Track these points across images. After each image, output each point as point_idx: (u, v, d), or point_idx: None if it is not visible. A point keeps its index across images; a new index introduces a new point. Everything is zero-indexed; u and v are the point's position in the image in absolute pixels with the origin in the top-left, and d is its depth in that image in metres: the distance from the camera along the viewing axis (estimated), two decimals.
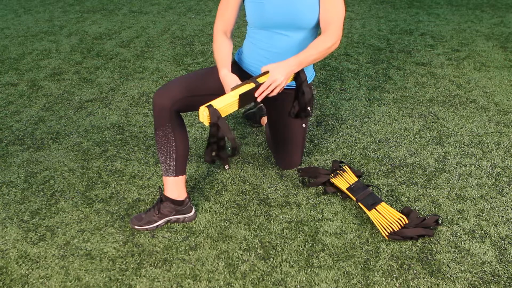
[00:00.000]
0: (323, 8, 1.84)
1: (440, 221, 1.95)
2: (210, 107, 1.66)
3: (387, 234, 1.87)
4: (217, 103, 1.70)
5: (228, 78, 1.80)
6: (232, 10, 1.90)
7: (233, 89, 1.73)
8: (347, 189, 2.08)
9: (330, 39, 1.82)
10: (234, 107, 1.74)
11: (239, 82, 1.79)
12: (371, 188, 2.13)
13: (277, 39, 1.91)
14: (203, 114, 1.67)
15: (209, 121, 1.67)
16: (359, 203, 2.01)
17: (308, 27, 1.88)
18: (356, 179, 2.12)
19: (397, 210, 2.00)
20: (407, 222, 1.90)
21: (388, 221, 1.90)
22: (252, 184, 2.21)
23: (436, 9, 4.77)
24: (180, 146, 1.86)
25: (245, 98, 1.76)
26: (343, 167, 2.20)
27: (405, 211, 1.96)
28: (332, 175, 2.17)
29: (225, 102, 1.70)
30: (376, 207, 1.96)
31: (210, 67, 2.02)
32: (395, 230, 1.87)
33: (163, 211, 1.92)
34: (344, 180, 2.12)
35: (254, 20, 1.89)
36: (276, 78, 1.73)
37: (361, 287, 1.68)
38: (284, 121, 2.12)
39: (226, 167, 1.81)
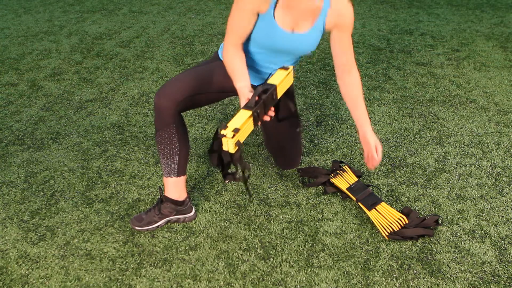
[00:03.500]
0: (341, 51, 1.88)
1: (440, 221, 1.95)
2: (233, 136, 1.54)
3: (387, 234, 1.87)
4: (235, 123, 1.57)
5: (245, 90, 1.71)
6: (247, 27, 1.78)
7: (246, 106, 1.62)
8: (347, 189, 2.08)
9: (359, 78, 1.93)
10: (251, 127, 1.64)
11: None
12: (371, 188, 2.13)
13: (270, 57, 1.88)
14: (227, 143, 1.56)
15: (235, 148, 1.57)
16: (359, 203, 2.01)
17: (301, 55, 1.92)
18: (356, 179, 2.12)
19: (397, 210, 2.00)
20: (407, 222, 1.90)
21: (388, 221, 1.90)
22: (252, 184, 2.21)
23: (436, 9, 4.77)
24: (183, 147, 1.86)
25: (263, 109, 1.66)
26: (343, 167, 2.20)
27: (405, 211, 1.96)
28: (332, 175, 2.17)
29: (241, 121, 1.59)
30: (376, 207, 1.96)
31: (211, 63, 1.98)
32: (395, 230, 1.88)
33: (164, 211, 1.92)
34: (344, 180, 2.12)
35: (260, 39, 1.82)
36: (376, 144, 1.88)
37: (361, 287, 1.68)
38: (279, 124, 2.10)
39: (226, 181, 1.79)
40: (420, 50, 3.72)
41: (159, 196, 2.02)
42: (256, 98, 1.64)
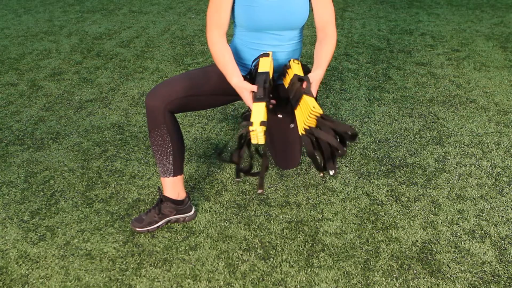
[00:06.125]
0: (317, 10, 1.89)
1: (352, 135, 1.63)
2: (263, 123, 1.59)
3: (303, 132, 1.66)
4: (258, 117, 1.61)
5: (244, 84, 1.77)
6: (225, 14, 1.84)
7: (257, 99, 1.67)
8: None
9: (333, 40, 1.91)
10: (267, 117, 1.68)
11: (254, 86, 1.74)
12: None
13: (268, 38, 1.90)
14: (257, 137, 1.60)
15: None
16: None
17: (299, 26, 1.90)
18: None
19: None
20: (321, 113, 1.62)
21: (304, 115, 1.66)
22: (252, 184, 2.21)
23: (436, 9, 4.77)
24: (176, 146, 1.87)
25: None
26: (289, 64, 1.85)
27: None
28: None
29: (262, 113, 1.63)
30: (300, 101, 1.71)
31: (204, 66, 2.00)
32: (311, 126, 1.64)
33: (164, 211, 1.92)
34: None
35: (244, 23, 1.86)
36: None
37: (361, 287, 1.68)
38: (281, 123, 2.11)
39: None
40: (420, 50, 3.72)
41: (158, 196, 2.02)
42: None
